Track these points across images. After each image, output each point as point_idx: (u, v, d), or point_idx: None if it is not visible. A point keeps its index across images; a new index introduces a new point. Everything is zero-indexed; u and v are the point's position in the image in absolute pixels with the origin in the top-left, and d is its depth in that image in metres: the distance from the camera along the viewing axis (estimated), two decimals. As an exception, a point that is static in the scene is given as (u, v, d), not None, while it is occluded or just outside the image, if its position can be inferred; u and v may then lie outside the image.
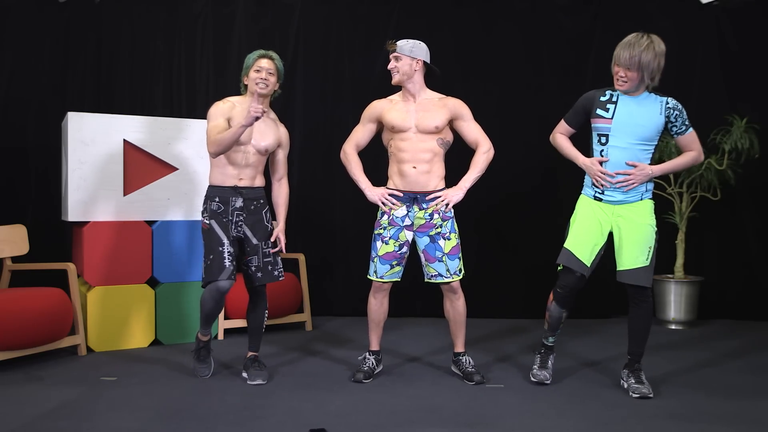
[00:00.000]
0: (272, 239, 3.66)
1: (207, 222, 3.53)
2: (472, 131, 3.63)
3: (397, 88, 3.68)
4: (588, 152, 3.49)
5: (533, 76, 5.49)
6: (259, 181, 3.66)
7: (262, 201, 3.65)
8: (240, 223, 3.57)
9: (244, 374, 3.67)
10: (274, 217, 3.75)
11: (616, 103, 3.38)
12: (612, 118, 3.36)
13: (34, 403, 3.20)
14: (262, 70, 3.53)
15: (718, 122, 5.11)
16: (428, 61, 3.59)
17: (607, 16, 5.47)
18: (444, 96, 3.65)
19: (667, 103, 3.36)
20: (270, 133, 3.62)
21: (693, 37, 5.47)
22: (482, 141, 3.63)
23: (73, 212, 4.21)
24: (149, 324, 4.39)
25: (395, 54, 3.55)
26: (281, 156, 3.74)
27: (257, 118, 3.33)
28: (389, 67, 3.59)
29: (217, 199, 3.54)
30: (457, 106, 3.61)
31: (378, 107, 3.67)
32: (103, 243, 4.24)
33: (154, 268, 4.40)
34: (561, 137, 3.59)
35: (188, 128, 4.52)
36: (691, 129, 3.39)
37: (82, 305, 4.26)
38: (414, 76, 3.56)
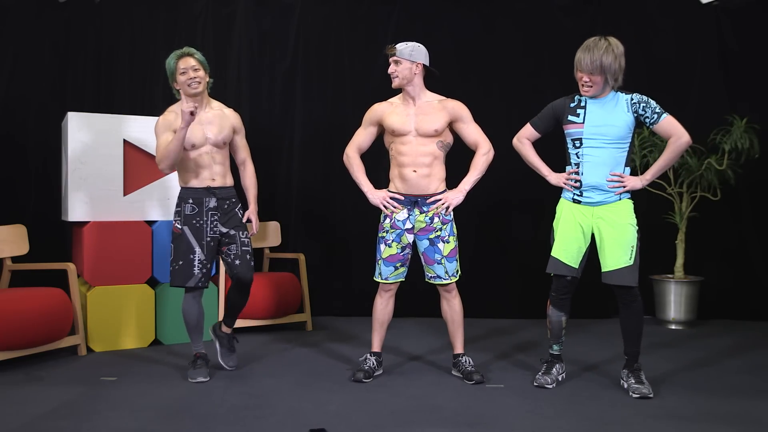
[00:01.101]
0: (244, 220, 3.69)
1: (179, 227, 3.59)
2: (472, 133, 3.64)
3: (398, 90, 3.68)
4: (564, 157, 3.53)
5: (533, 76, 5.50)
6: (230, 180, 3.71)
7: (234, 200, 3.70)
8: (215, 222, 3.61)
9: (212, 336, 3.80)
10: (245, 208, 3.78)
11: (584, 107, 3.41)
12: (583, 122, 3.39)
13: (34, 403, 3.20)
14: (187, 70, 3.54)
15: (718, 122, 5.11)
16: (428, 63, 3.59)
17: (607, 16, 5.47)
18: (444, 98, 3.65)
19: (632, 99, 3.37)
20: (221, 124, 3.64)
21: (693, 37, 5.47)
22: (482, 143, 3.64)
23: (73, 212, 4.21)
24: (149, 324, 4.39)
25: (395, 58, 3.55)
26: (238, 140, 3.76)
27: (192, 114, 3.36)
28: (389, 71, 3.58)
29: (191, 201, 3.59)
30: (456, 108, 3.62)
31: (379, 110, 3.68)
32: (103, 243, 4.24)
33: (154, 268, 4.41)
34: (528, 145, 3.61)
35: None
36: (665, 115, 3.35)
37: (82, 305, 4.26)
38: (414, 80, 3.57)
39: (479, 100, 4.82)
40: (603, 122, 3.36)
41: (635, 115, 3.37)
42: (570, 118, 3.43)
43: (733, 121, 5.02)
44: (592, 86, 3.34)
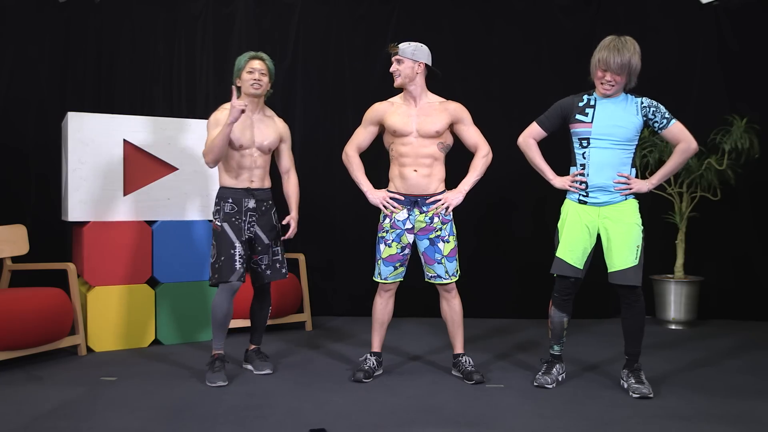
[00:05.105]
0: (285, 222, 3.77)
1: (219, 224, 3.61)
2: (472, 135, 3.66)
3: (398, 90, 3.69)
4: (568, 156, 3.52)
5: (533, 76, 5.49)
6: (268, 183, 3.76)
7: (270, 202, 3.76)
8: (252, 223, 3.66)
9: (247, 366, 3.81)
10: (283, 213, 3.81)
11: (594, 107, 3.40)
12: (592, 122, 3.38)
13: (34, 403, 3.21)
14: (255, 72, 3.62)
15: (718, 122, 5.11)
16: (430, 63, 3.60)
17: (607, 16, 5.47)
18: (444, 100, 3.66)
19: (642, 102, 3.38)
20: (269, 131, 3.71)
21: (693, 37, 5.47)
22: (481, 145, 3.66)
23: (73, 212, 4.21)
24: (149, 324, 4.39)
25: (397, 57, 3.56)
26: (284, 149, 3.82)
27: (242, 111, 3.39)
28: (391, 69, 3.59)
29: (230, 201, 3.63)
30: (457, 110, 3.63)
31: (379, 110, 3.68)
32: (103, 243, 4.24)
33: (154, 268, 4.40)
34: (534, 146, 3.59)
35: (188, 128, 4.52)
36: (674, 121, 3.37)
37: (82, 305, 4.26)
38: (416, 79, 3.57)
39: (479, 100, 4.83)
40: (612, 123, 3.35)
41: (644, 118, 3.37)
42: (578, 117, 3.42)
43: (733, 121, 5.02)
44: (614, 85, 3.33)
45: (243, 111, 3.40)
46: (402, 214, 3.60)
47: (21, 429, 2.87)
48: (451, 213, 3.64)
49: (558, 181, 3.54)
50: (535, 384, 3.53)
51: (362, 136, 3.74)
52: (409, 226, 3.61)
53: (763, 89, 5.39)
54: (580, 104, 3.44)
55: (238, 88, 3.66)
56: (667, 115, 3.37)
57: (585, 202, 3.45)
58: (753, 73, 5.40)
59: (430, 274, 3.66)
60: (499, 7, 5.55)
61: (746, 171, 5.14)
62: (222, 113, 3.60)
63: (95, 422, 2.96)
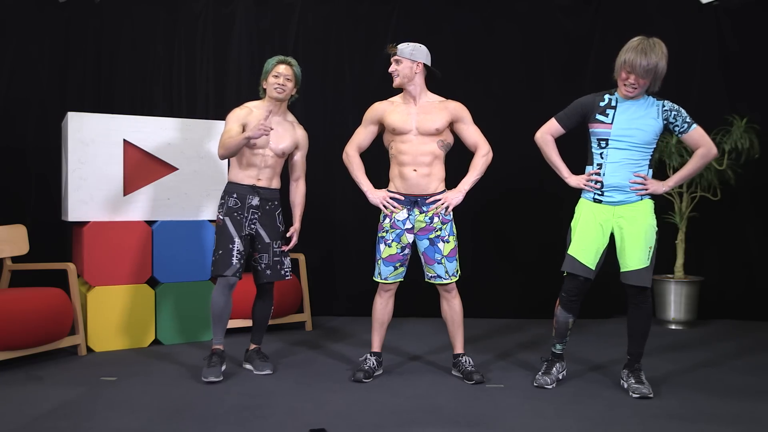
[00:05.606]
0: (288, 235, 3.80)
1: (221, 218, 3.66)
2: (472, 134, 3.66)
3: (398, 90, 3.69)
4: (585, 155, 3.51)
5: (533, 77, 5.49)
6: (276, 183, 3.78)
7: (276, 203, 3.78)
8: (254, 220, 3.69)
9: (247, 366, 3.81)
10: (288, 219, 3.83)
11: (615, 107, 3.38)
12: (612, 123, 3.36)
13: (34, 403, 3.21)
14: (280, 76, 3.66)
15: (718, 122, 5.11)
16: (429, 63, 3.60)
17: (607, 16, 5.47)
18: (444, 99, 3.66)
19: (663, 106, 3.36)
20: (287, 135, 3.73)
21: (693, 37, 5.47)
22: (481, 144, 3.66)
23: (73, 212, 4.21)
24: (149, 324, 4.39)
25: (396, 57, 3.57)
26: (298, 157, 3.85)
27: (266, 134, 3.46)
28: (390, 70, 3.60)
29: (235, 195, 3.67)
30: (457, 108, 3.63)
31: (379, 109, 3.68)
32: (103, 243, 4.24)
33: (154, 268, 4.40)
34: (551, 143, 3.57)
35: (188, 128, 4.52)
36: (695, 125, 3.36)
37: (82, 305, 4.26)
38: (414, 79, 3.58)
39: (479, 100, 4.82)
40: (632, 125, 3.33)
41: (665, 122, 3.35)
42: (598, 117, 3.40)
43: (733, 121, 5.02)
44: (637, 88, 3.30)
45: (267, 134, 3.47)
46: (402, 214, 3.60)
47: (21, 429, 2.87)
48: (451, 213, 3.64)
49: (573, 180, 3.52)
50: (535, 384, 3.53)
51: (362, 136, 3.74)
52: (409, 226, 3.61)
53: (763, 89, 5.39)
54: (601, 104, 3.41)
55: (264, 91, 3.71)
56: (688, 120, 3.35)
57: (600, 201, 3.44)
58: (753, 73, 5.40)
59: (430, 275, 3.66)
60: (499, 7, 5.55)
61: (746, 171, 5.14)
62: (242, 110, 3.69)
63: (95, 422, 2.96)
